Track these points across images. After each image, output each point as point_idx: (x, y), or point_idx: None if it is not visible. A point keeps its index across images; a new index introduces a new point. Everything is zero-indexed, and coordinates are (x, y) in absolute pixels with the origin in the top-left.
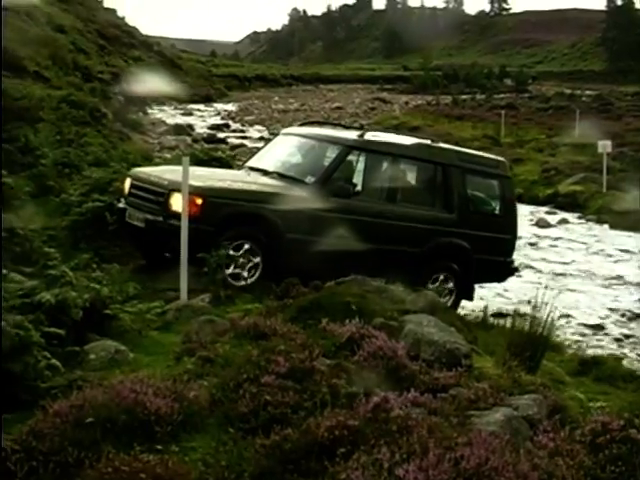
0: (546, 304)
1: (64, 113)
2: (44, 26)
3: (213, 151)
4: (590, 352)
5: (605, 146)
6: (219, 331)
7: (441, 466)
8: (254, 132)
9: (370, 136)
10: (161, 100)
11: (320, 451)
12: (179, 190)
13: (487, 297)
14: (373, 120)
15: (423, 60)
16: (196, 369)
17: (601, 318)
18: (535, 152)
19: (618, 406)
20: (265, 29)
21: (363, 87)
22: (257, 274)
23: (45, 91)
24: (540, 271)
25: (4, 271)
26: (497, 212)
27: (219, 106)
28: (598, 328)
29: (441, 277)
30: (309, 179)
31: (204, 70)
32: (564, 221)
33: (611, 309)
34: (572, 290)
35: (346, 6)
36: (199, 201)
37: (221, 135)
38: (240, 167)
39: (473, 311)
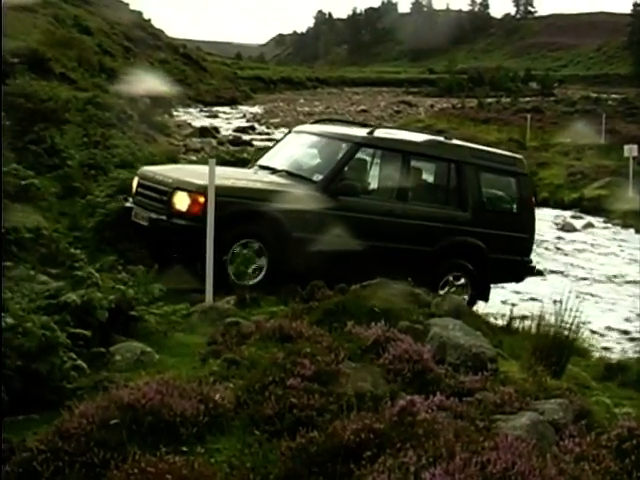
0: (571, 308)
1: (90, 115)
2: (70, 28)
3: (239, 153)
4: (615, 357)
5: (631, 150)
6: (245, 333)
7: (467, 470)
8: (279, 134)
9: (380, 133)
10: (187, 102)
11: (346, 454)
12: (183, 189)
13: (512, 301)
14: (398, 123)
15: (448, 63)
16: (222, 371)
17: (627, 322)
18: (561, 156)
19: None
20: (291, 32)
21: (388, 90)
22: (262, 273)
23: (71, 93)
24: (565, 275)
25: (31, 272)
26: (514, 210)
27: (244, 108)
28: (623, 333)
29: (454, 277)
30: (316, 177)
31: (229, 72)
32: (589, 225)
33: (637, 314)
34: (597, 294)
35: (372, 9)
36: (201, 199)
37: (246, 137)
38: (251, 165)
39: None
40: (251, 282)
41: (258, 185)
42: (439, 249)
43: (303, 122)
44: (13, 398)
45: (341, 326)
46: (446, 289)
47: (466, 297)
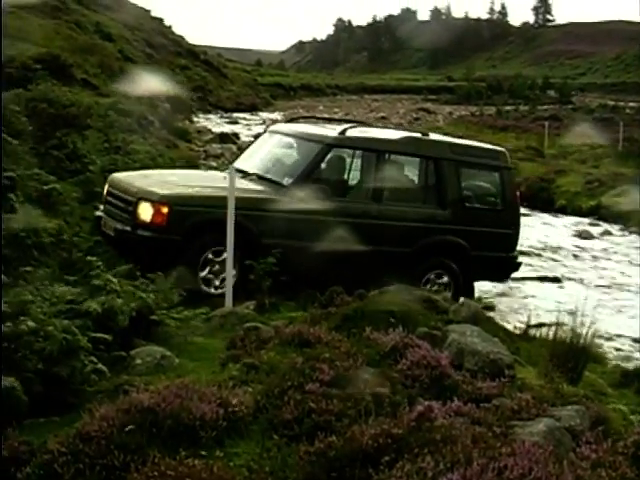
0: (587, 315)
1: (111, 120)
2: (92, 34)
3: None
4: (632, 364)
5: None
6: (264, 338)
7: (485, 476)
8: None
9: (354, 132)
10: (207, 108)
11: (364, 459)
12: (146, 199)
13: (528, 308)
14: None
15: (467, 71)
16: (241, 375)
17: None
18: (578, 163)
19: None
20: (310, 39)
21: (407, 97)
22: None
23: (93, 98)
24: (582, 282)
25: (50, 280)
26: (497, 206)
27: (264, 115)
28: None
29: (436, 275)
30: (286, 180)
31: (249, 79)
32: (607, 233)
33: None
34: (614, 302)
35: (391, 17)
36: (164, 210)
37: None
38: (224, 169)
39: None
40: (219, 291)
41: (225, 192)
42: (418, 249)
43: None
44: (34, 400)
45: (359, 332)
46: (427, 287)
47: (448, 295)
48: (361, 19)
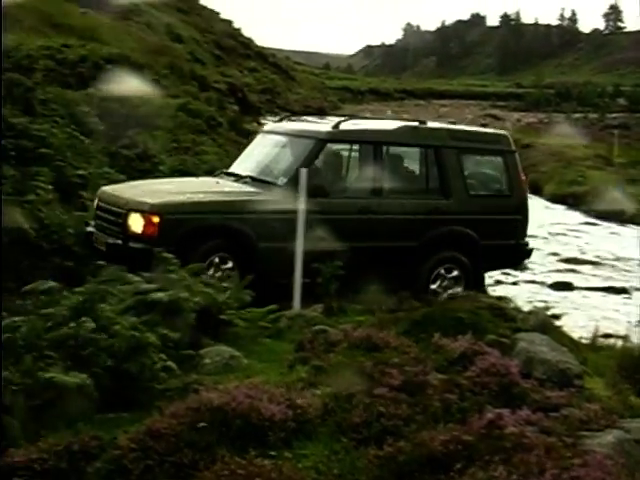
0: None
1: (181, 121)
2: (163, 36)
3: None
4: None
5: None
6: (332, 341)
7: None
8: None
9: (348, 125)
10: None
11: (434, 465)
12: (136, 209)
13: (594, 318)
14: None
15: (536, 77)
16: (309, 378)
17: None
18: None
19: None
20: (379, 43)
21: (475, 103)
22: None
23: (163, 99)
24: None
25: (120, 274)
26: (503, 191)
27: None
28: None
29: (446, 269)
30: (281, 180)
31: (318, 82)
32: None
33: None
34: None
35: (460, 22)
36: (156, 220)
37: None
38: (217, 173)
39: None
40: None
41: (217, 197)
42: (424, 243)
43: None
44: (103, 396)
45: (428, 337)
46: (437, 283)
47: (460, 290)
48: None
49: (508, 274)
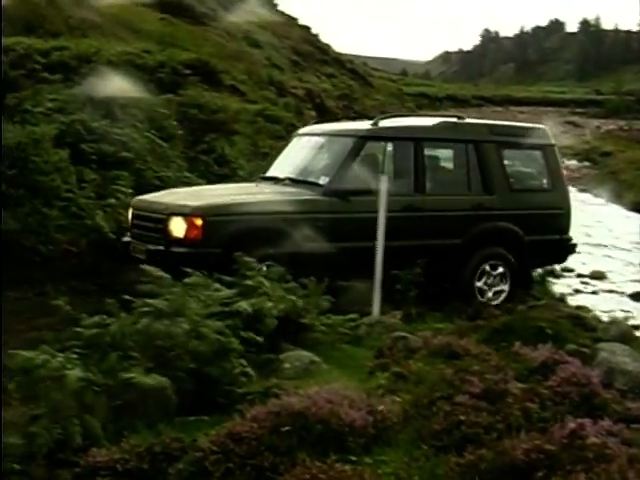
0: None
1: (259, 127)
2: (241, 41)
3: None
4: None
5: None
6: (412, 348)
7: None
8: None
9: (387, 122)
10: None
11: (515, 473)
12: (178, 213)
13: None
14: (564, 144)
15: (616, 84)
16: (389, 384)
17: None
18: None
19: None
20: (457, 49)
21: (554, 110)
22: None
23: (241, 104)
24: None
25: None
26: (544, 185)
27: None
28: None
29: (491, 266)
30: (323, 180)
31: (395, 88)
32: None
33: None
34: None
35: (538, 28)
36: (199, 222)
37: None
38: (254, 179)
39: None
40: None
41: (259, 198)
42: (468, 240)
43: None
44: (184, 399)
45: (508, 346)
46: (483, 280)
47: (506, 288)
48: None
49: (587, 283)
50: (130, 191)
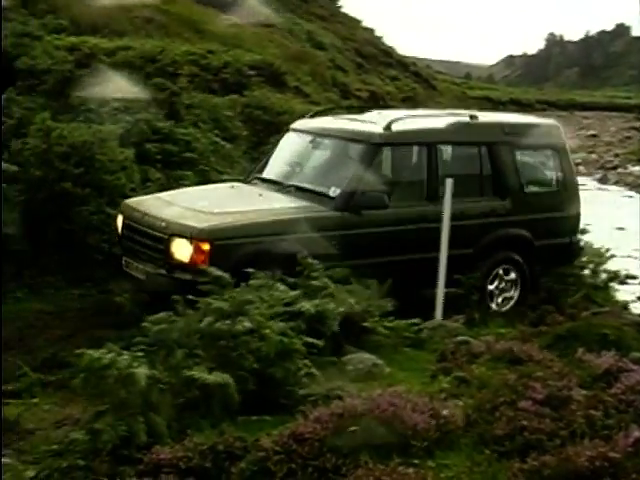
0: None
1: None
2: (304, 43)
3: None
4: None
5: None
6: (474, 353)
7: None
8: None
9: (399, 125)
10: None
11: None
12: (182, 235)
13: None
14: (628, 150)
15: None
16: (452, 388)
17: None
18: None
19: None
20: (520, 53)
21: (619, 115)
22: None
23: (305, 106)
24: None
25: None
26: (556, 186)
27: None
28: None
29: (504, 270)
30: (333, 191)
31: (458, 92)
32: None
33: None
34: None
35: (604, 32)
36: (205, 247)
37: None
38: (248, 175)
39: None
40: None
41: (269, 216)
42: (479, 249)
43: None
44: (246, 399)
45: (571, 352)
46: (495, 284)
47: (515, 295)
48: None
49: None
50: None
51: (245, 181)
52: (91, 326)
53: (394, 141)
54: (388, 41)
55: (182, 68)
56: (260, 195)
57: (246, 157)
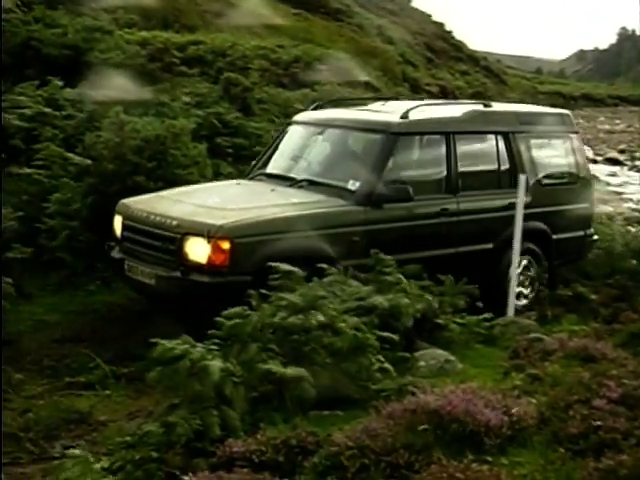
0: None
1: None
2: (374, 37)
3: None
4: None
5: None
6: (547, 350)
7: None
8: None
9: (416, 114)
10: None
11: None
12: (196, 233)
13: None
14: None
15: None
16: (524, 386)
17: None
18: None
19: None
20: (592, 47)
21: None
22: None
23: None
24: None
25: (342, 277)
26: (571, 178)
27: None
28: None
29: (526, 262)
30: (352, 184)
31: (529, 86)
32: None
33: None
34: None
35: None
36: (225, 246)
37: None
38: (250, 172)
39: None
40: None
41: (289, 211)
42: (500, 244)
43: (603, 140)
44: (318, 393)
45: None
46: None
47: (529, 292)
48: None
49: None
50: None
51: (248, 178)
52: (163, 319)
53: (413, 130)
54: (458, 36)
55: (252, 62)
56: (273, 190)
57: None
